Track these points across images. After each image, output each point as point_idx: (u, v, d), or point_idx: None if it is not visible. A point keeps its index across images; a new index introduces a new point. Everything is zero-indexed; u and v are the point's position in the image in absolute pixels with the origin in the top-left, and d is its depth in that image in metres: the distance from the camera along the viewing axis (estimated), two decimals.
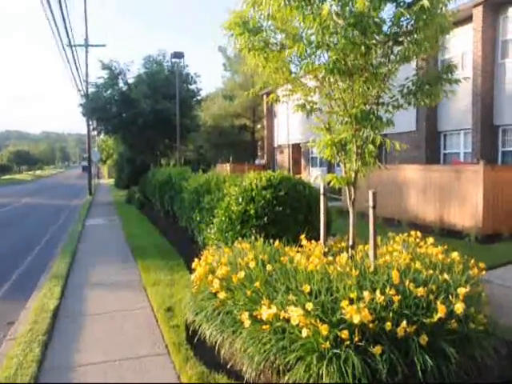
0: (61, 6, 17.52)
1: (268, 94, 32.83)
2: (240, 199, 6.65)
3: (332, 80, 4.86)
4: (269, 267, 4.79)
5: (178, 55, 19.13)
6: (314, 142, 5.30)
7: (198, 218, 9.06)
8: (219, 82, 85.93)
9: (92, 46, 28.97)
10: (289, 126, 28.72)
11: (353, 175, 5.17)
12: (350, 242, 5.35)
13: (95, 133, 26.26)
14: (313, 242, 5.87)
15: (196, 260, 5.50)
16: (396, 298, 3.76)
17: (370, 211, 4.69)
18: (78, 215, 18.31)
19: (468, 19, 15.09)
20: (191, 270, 8.04)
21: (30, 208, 23.34)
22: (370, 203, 4.68)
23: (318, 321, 3.61)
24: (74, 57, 22.61)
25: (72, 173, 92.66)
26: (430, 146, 17.34)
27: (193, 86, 23.51)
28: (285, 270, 4.68)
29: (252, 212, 6.39)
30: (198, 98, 24.47)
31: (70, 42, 23.19)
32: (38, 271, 8.86)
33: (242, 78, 39.33)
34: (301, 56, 4.64)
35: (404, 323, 3.53)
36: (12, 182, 60.04)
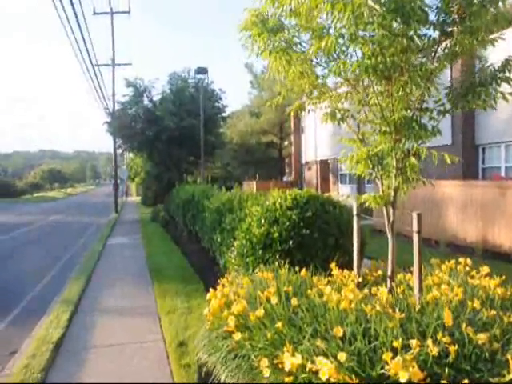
0: (79, 27, 17.44)
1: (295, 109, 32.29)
2: (262, 220, 5.98)
3: (366, 82, 4.18)
4: (293, 301, 4.09)
5: (202, 71, 18.81)
6: (344, 157, 4.59)
7: (219, 240, 8.43)
8: (246, 98, 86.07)
9: (118, 64, 29.12)
10: (316, 142, 28.05)
11: (392, 194, 4.44)
12: (389, 272, 4.60)
13: (120, 151, 26.12)
14: (345, 270, 5.15)
15: (211, 291, 4.83)
16: (452, 349, 3.00)
17: (415, 237, 3.95)
18: (101, 234, 17.95)
19: None
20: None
21: (55, 226, 23.21)
22: (415, 227, 3.94)
23: (354, 377, 2.88)
24: (96, 76, 22.57)
25: (102, 190, 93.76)
26: (467, 161, 16.33)
27: (218, 103, 23.15)
28: (313, 307, 3.96)
29: (276, 235, 5.70)
30: (224, 114, 24.08)
31: (90, 61, 23.21)
32: (52, 293, 8.36)
33: (269, 95, 38.94)
34: (329, 54, 3.98)
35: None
36: (43, 199, 60.92)
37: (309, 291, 4.28)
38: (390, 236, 4.53)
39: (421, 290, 4.03)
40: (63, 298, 7.67)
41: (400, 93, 3.97)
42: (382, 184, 4.57)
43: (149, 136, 21.33)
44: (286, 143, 39.59)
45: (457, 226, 11.38)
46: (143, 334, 6.00)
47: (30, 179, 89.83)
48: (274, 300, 4.00)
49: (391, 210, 4.50)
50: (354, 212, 5.24)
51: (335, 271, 4.97)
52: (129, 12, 29.52)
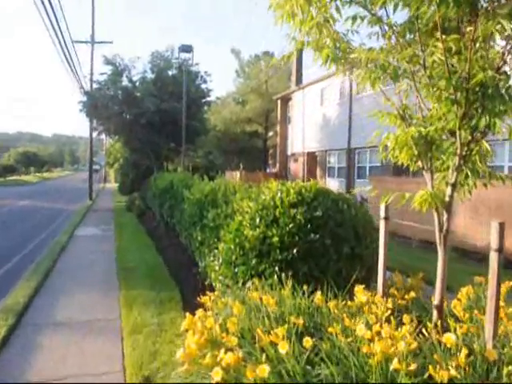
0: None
1: (283, 98, 31.04)
2: (257, 220, 4.63)
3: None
4: (307, 342, 2.79)
5: (187, 48, 17.29)
6: (385, 140, 3.27)
7: (199, 238, 7.07)
8: (231, 85, 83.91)
9: (98, 42, 27.20)
10: (304, 133, 26.78)
11: (448, 192, 3.15)
12: (436, 300, 3.31)
13: (98, 134, 24.38)
14: (359, 287, 3.86)
15: (188, 317, 3.48)
16: None
17: (494, 257, 2.67)
18: (70, 223, 16.38)
19: None
20: (186, 309, 6.11)
21: (24, 212, 21.48)
22: (494, 243, 2.66)
23: None
24: (70, 54, 20.67)
25: (80, 176, 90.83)
26: None
27: (203, 86, 21.60)
28: (337, 353, 2.67)
29: (275, 240, 4.36)
30: (208, 99, 22.55)
31: (62, 36, 21.40)
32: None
33: (256, 82, 37.51)
34: None
35: None
36: (16, 183, 58.43)
37: (331, 328, 2.97)
38: (440, 250, 3.25)
39: (496, 333, 2.76)
40: (3, 307, 6.22)
41: (479, 45, 2.66)
42: (432, 178, 3.27)
43: (127, 119, 19.72)
44: (271, 133, 38.24)
45: (465, 230, 10.22)
46: (99, 363, 4.64)
47: (4, 161, 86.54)
48: (284, 347, 2.67)
49: (445, 214, 3.20)
50: (382, 214, 3.96)
51: (360, 295, 3.66)
52: None
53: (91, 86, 24.46)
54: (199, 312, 3.55)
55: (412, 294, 3.90)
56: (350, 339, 2.93)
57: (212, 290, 5.96)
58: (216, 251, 5.68)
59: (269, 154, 39.59)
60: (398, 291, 4.03)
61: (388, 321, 3.13)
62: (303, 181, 18.45)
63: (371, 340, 2.80)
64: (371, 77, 3.12)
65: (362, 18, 3.06)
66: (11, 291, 7.02)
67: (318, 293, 3.56)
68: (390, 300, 3.56)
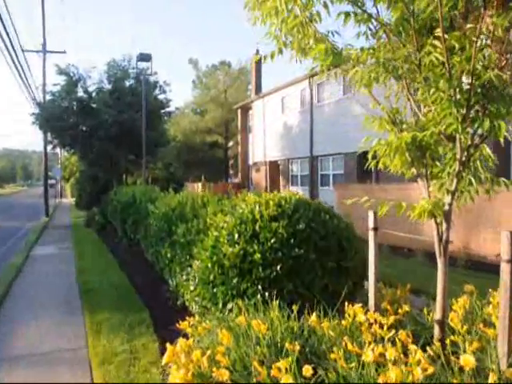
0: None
1: (243, 108, 30.86)
2: (236, 235, 4.32)
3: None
4: (307, 371, 2.51)
5: (145, 57, 16.83)
6: (376, 146, 3.05)
7: (168, 255, 6.69)
8: (189, 95, 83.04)
9: (50, 52, 26.23)
10: (265, 142, 26.70)
11: (447, 199, 2.95)
12: (438, 315, 3.10)
13: (51, 147, 23.42)
14: (357, 306, 3.62)
15: (169, 348, 3.12)
16: None
17: (505, 268, 2.48)
18: (26, 242, 15.49)
19: None
20: (159, 333, 5.73)
21: None
22: (506, 254, 2.46)
23: None
24: (17, 65, 19.63)
25: (34, 191, 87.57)
26: None
27: (162, 96, 21.11)
28: None
29: (257, 256, 4.07)
30: (168, 109, 22.06)
31: (11, 44, 20.53)
32: None
33: (214, 92, 37.26)
34: None
35: None
36: None
37: (333, 355, 2.69)
38: (440, 262, 3.05)
39: (510, 351, 2.56)
40: None
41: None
42: (428, 186, 3.08)
43: (83, 131, 18.97)
44: (231, 143, 38.00)
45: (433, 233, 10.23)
46: None
47: None
48: (287, 381, 2.37)
49: (444, 225, 3.01)
50: (371, 225, 3.74)
51: (359, 315, 3.41)
52: None
53: (44, 97, 23.50)
54: (181, 342, 3.20)
55: (406, 307, 3.69)
56: (353, 364, 2.67)
57: (185, 310, 5.60)
58: (189, 269, 5.33)
59: (230, 164, 39.29)
60: (390, 305, 3.81)
61: (391, 341, 2.89)
62: (266, 190, 18.28)
63: (378, 365, 2.55)
64: (370, 76, 2.89)
65: (356, 14, 2.84)
66: None
67: (313, 314, 3.28)
68: (390, 317, 3.32)
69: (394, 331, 3.01)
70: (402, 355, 2.61)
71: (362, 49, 3.02)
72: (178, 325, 3.82)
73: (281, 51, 3.41)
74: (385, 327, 3.06)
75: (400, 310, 3.72)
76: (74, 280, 9.17)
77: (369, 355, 2.53)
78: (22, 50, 22.20)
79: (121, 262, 10.96)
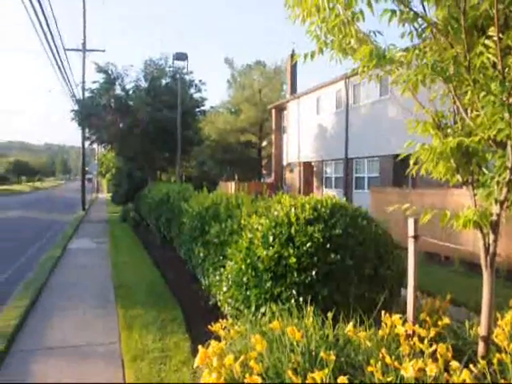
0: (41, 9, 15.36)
1: (277, 108, 30.77)
2: (270, 238, 4.27)
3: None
4: (342, 381, 2.43)
5: (181, 56, 16.97)
6: (419, 151, 2.93)
7: (201, 254, 6.69)
8: (224, 95, 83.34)
9: (90, 50, 26.88)
10: (299, 143, 26.52)
11: (495, 209, 2.81)
12: (483, 331, 2.97)
13: (89, 143, 23.95)
14: (395, 317, 3.50)
15: (201, 350, 3.09)
16: None
17: None
18: (63, 235, 15.89)
19: None
20: (191, 332, 5.75)
21: (14, 223, 20.94)
22: None
23: None
24: (62, 62, 20.18)
25: (72, 185, 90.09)
26: None
27: (197, 95, 21.27)
28: None
29: (292, 261, 4.00)
30: (203, 108, 22.21)
31: (54, 44, 21.07)
32: None
33: (249, 92, 37.29)
34: None
35: None
36: (7, 193, 57.62)
37: (370, 367, 2.60)
38: (486, 275, 2.91)
39: None
40: None
41: None
42: (475, 194, 2.94)
43: (120, 128, 19.32)
44: (265, 143, 37.95)
45: (474, 241, 9.90)
46: None
47: None
48: None
49: (491, 235, 2.87)
50: (411, 233, 3.62)
51: (389, 321, 3.30)
52: None
53: (83, 94, 24.07)
54: (213, 345, 3.16)
55: (446, 320, 3.55)
56: (390, 378, 2.58)
57: (218, 309, 5.59)
58: (222, 270, 5.30)
59: (263, 164, 39.24)
60: (429, 317, 3.67)
61: (432, 355, 2.77)
62: (299, 191, 18.14)
63: (417, 380, 2.45)
64: (417, 79, 2.77)
65: (402, 13, 2.73)
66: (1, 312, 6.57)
67: (350, 324, 3.18)
68: (431, 330, 3.20)
69: (434, 345, 2.89)
70: (443, 371, 2.50)
71: (407, 49, 2.91)
72: (210, 326, 3.79)
73: (321, 51, 3.33)
74: (425, 340, 2.94)
75: (440, 322, 3.57)
76: (108, 274, 9.33)
77: (409, 370, 2.43)
78: (64, 49, 22.80)
79: (154, 258, 11.09)
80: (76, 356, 5.15)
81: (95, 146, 33.18)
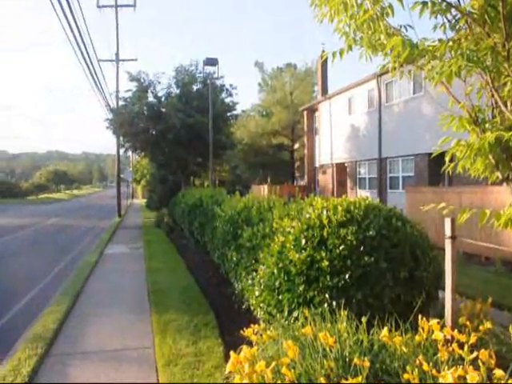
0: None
1: (309, 109, 30.58)
2: (302, 241, 4.19)
3: None
4: None
5: (212, 62, 17.09)
6: (456, 147, 2.80)
7: (234, 259, 6.67)
8: (255, 98, 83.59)
9: (123, 60, 27.41)
10: (332, 144, 26.26)
11: None
12: None
13: (124, 150, 24.42)
14: (433, 322, 3.35)
15: (233, 356, 3.04)
16: None
17: None
18: (99, 241, 16.22)
19: None
20: (224, 336, 5.72)
21: (52, 230, 21.52)
22: None
23: None
24: (95, 72, 20.60)
25: (108, 192, 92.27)
26: None
27: (228, 99, 21.38)
28: None
29: (325, 264, 3.91)
30: (234, 112, 22.29)
31: (87, 55, 21.60)
32: (20, 328, 6.61)
33: (280, 94, 37.24)
34: None
35: None
36: (47, 200, 59.51)
37: (406, 375, 2.49)
38: None
39: None
40: (33, 335, 5.90)
41: None
42: None
43: (153, 135, 19.61)
44: (297, 146, 37.78)
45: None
46: None
47: (36, 180, 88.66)
48: None
49: None
50: (448, 233, 3.47)
51: (426, 325, 3.17)
52: (134, 6, 27.94)
53: (117, 103, 24.59)
54: (245, 350, 3.11)
55: (488, 324, 3.38)
56: None
57: (250, 314, 5.54)
58: (254, 274, 5.25)
59: (296, 166, 39.08)
60: (469, 321, 3.51)
61: (473, 362, 2.63)
62: (332, 193, 17.90)
63: None
64: (451, 70, 2.65)
65: (434, 4, 2.62)
66: (39, 318, 6.72)
67: (385, 329, 3.07)
68: (472, 336, 3.05)
69: (475, 352, 2.74)
70: (486, 380, 2.36)
71: (440, 40, 2.79)
72: (242, 331, 3.73)
73: (350, 48, 3.25)
74: (465, 346, 2.80)
75: (481, 327, 3.41)
76: (143, 279, 9.43)
77: (448, 378, 2.31)
78: (98, 60, 23.33)
79: (188, 262, 11.15)
80: (111, 360, 5.20)
81: (130, 153, 33.85)
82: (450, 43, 2.70)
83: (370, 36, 3.20)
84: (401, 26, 3.24)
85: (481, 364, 2.55)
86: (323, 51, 25.34)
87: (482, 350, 2.79)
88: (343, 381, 2.42)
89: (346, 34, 3.20)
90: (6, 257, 13.66)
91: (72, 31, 15.82)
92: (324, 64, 29.05)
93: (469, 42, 2.63)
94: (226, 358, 4.67)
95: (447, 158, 3.12)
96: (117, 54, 27.11)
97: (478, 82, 2.90)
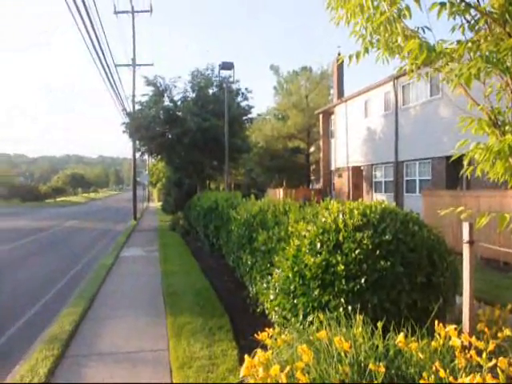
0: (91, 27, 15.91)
1: (325, 112, 30.49)
2: (318, 245, 4.16)
3: None
4: None
5: (227, 66, 17.11)
6: (474, 150, 2.76)
7: (249, 262, 6.66)
8: (271, 101, 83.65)
9: (139, 65, 27.70)
10: (348, 147, 26.13)
11: None
12: None
13: (139, 154, 24.61)
14: (450, 327, 3.29)
15: (247, 359, 3.03)
16: None
17: None
18: (115, 244, 16.36)
19: None
20: (238, 339, 5.71)
21: (69, 233, 21.78)
22: None
23: None
24: (112, 77, 20.83)
25: (125, 196, 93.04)
26: None
27: (244, 103, 21.41)
28: None
29: (340, 268, 3.87)
30: (250, 116, 22.32)
31: (105, 60, 21.86)
32: (42, 325, 6.71)
33: (296, 97, 37.21)
34: None
35: None
36: (64, 203, 60.30)
37: (422, 381, 2.45)
38: None
39: None
40: (50, 336, 5.96)
41: None
42: None
43: (169, 138, 19.73)
44: (312, 149, 37.69)
45: None
46: None
47: (54, 183, 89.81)
48: None
49: None
50: (466, 238, 3.41)
51: (443, 331, 3.12)
52: (150, 11, 28.22)
53: (133, 107, 24.83)
54: (259, 354, 3.09)
55: (507, 331, 3.31)
56: None
57: (265, 317, 5.52)
58: (269, 278, 5.23)
59: (311, 169, 38.96)
60: (488, 328, 3.44)
61: (492, 370, 2.58)
62: (348, 197, 17.79)
63: None
64: (470, 72, 2.61)
65: (452, 5, 2.59)
66: (55, 320, 6.79)
67: (401, 334, 3.03)
68: (490, 343, 2.99)
69: (494, 359, 2.69)
70: None
71: (459, 42, 2.75)
72: (256, 335, 3.72)
73: (367, 50, 3.22)
74: (484, 354, 2.74)
75: (500, 334, 3.34)
76: (158, 282, 9.47)
77: None
78: (115, 65, 23.56)
79: (203, 266, 11.17)
80: (126, 362, 5.22)
81: (146, 156, 34.12)
82: (469, 44, 2.66)
83: (386, 38, 3.17)
84: (418, 28, 3.20)
85: (500, 372, 2.50)
86: (339, 54, 25.26)
87: (501, 358, 2.73)
88: None
89: (363, 37, 3.18)
90: (26, 257, 13.84)
91: (90, 37, 16.03)
92: (340, 67, 28.95)
93: (488, 43, 2.59)
94: (241, 361, 4.65)
95: (466, 161, 3.07)
96: (133, 60, 27.42)
97: (498, 83, 2.85)
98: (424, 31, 3.21)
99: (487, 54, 2.52)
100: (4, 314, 7.76)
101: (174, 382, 4.64)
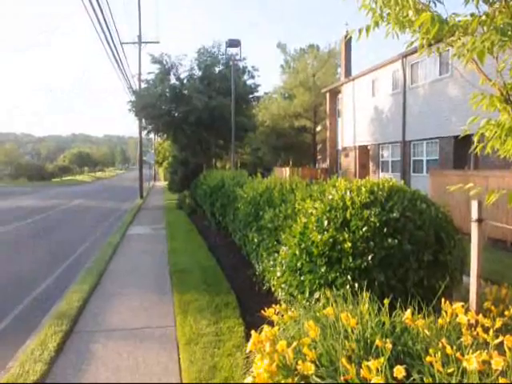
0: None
1: (332, 91, 30.19)
2: (325, 222, 4.15)
3: None
4: (398, 372, 2.31)
5: (234, 43, 16.90)
6: (485, 127, 2.71)
7: (255, 240, 6.66)
8: (278, 80, 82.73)
9: (145, 42, 27.44)
10: (355, 127, 25.93)
11: None
12: None
13: (145, 132, 24.53)
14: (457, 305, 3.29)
15: (254, 335, 3.05)
16: None
17: None
18: (122, 222, 16.45)
19: None
20: (245, 316, 5.76)
21: (76, 211, 21.93)
22: None
23: None
24: (118, 55, 20.70)
25: (131, 174, 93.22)
26: None
27: (250, 81, 21.20)
28: None
29: (347, 245, 3.87)
30: (256, 94, 22.11)
31: (111, 38, 21.61)
32: (53, 299, 6.82)
33: (303, 76, 36.78)
34: None
35: None
36: (71, 182, 60.57)
37: (429, 357, 2.46)
38: None
39: None
40: (58, 312, 6.04)
41: None
42: None
43: (175, 117, 19.63)
44: (319, 128, 37.41)
45: None
46: (154, 378, 4.32)
47: (60, 162, 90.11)
48: (379, 381, 2.19)
49: None
50: (474, 216, 3.39)
51: (450, 309, 3.12)
52: None
53: (139, 85, 24.68)
54: (266, 330, 3.11)
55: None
56: (451, 370, 2.42)
57: (271, 295, 5.55)
58: (276, 255, 5.24)
59: (318, 149, 38.76)
60: (494, 306, 3.44)
61: (498, 347, 2.58)
62: (354, 176, 17.71)
63: (481, 373, 2.28)
64: (484, 46, 2.54)
65: None
66: (64, 295, 6.88)
67: (408, 311, 3.03)
68: (497, 320, 2.99)
69: (500, 337, 2.69)
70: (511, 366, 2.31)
71: (472, 15, 2.68)
72: (263, 312, 3.74)
73: (377, 24, 3.15)
74: (490, 331, 2.75)
75: (506, 312, 3.34)
76: (165, 260, 9.55)
77: (472, 362, 2.27)
78: (121, 43, 23.37)
79: (209, 244, 11.23)
80: (133, 338, 5.29)
81: (152, 135, 34.05)
82: (483, 17, 2.59)
83: (397, 12, 3.10)
84: (430, 1, 3.13)
85: (507, 349, 2.50)
86: (347, 31, 24.86)
87: (508, 336, 2.73)
88: (365, 362, 2.40)
89: (373, 11, 3.11)
90: (36, 236, 13.97)
91: (96, 15, 15.88)
92: (348, 44, 28.53)
93: (504, 15, 2.52)
94: (247, 337, 4.70)
95: (476, 138, 3.03)
96: (139, 37, 27.16)
97: (511, 58, 2.79)
98: (435, 4, 3.14)
99: (502, 26, 2.45)
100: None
101: (181, 358, 4.70)
